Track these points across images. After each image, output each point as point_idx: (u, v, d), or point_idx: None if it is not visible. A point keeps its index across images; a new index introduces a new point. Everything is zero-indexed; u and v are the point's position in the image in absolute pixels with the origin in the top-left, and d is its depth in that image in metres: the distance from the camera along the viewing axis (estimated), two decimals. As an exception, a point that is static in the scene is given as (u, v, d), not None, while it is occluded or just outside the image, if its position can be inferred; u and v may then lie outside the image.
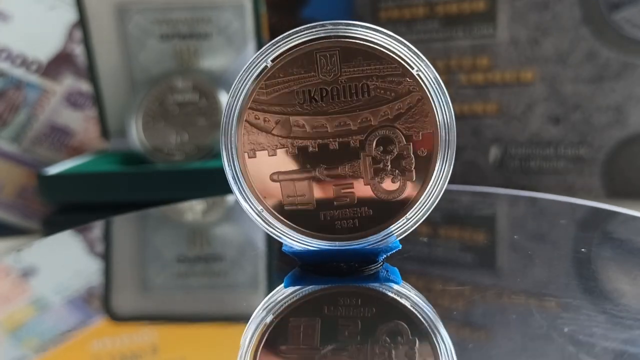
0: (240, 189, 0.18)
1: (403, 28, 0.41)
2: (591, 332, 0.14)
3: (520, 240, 0.23)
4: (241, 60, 0.40)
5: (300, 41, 0.17)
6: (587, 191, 0.37)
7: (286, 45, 0.17)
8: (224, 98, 0.38)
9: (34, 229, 0.42)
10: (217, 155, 0.37)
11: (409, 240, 0.19)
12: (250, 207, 0.18)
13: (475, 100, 0.39)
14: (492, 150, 0.39)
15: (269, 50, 0.17)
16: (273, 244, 0.25)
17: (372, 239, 0.18)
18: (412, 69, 0.17)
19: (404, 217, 0.18)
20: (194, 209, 0.30)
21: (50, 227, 0.32)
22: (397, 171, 0.18)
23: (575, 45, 0.36)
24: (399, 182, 0.18)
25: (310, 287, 0.18)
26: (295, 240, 0.18)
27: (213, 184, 0.33)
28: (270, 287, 0.20)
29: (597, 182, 0.37)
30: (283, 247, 0.18)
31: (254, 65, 0.17)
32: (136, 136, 0.37)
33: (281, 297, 0.17)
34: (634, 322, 0.15)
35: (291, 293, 0.17)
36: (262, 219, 0.18)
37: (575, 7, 0.36)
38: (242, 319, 0.17)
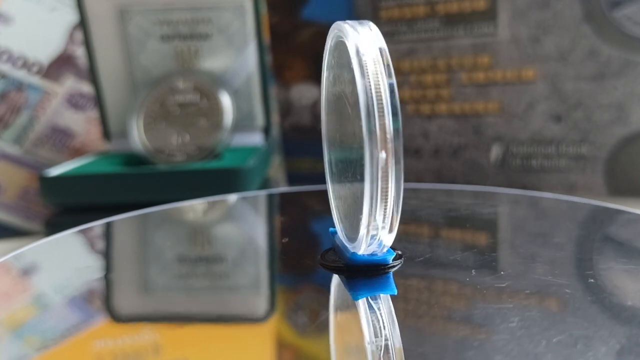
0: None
1: (404, 27, 0.40)
2: (592, 331, 0.14)
3: (522, 238, 0.23)
4: (242, 61, 0.40)
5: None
6: (589, 189, 0.37)
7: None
8: (225, 98, 0.38)
9: (36, 230, 0.42)
10: (218, 156, 0.37)
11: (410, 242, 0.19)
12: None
13: (476, 99, 0.39)
14: (494, 149, 0.39)
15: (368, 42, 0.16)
16: (274, 244, 0.25)
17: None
18: None
19: None
20: (195, 209, 0.30)
21: (52, 228, 0.32)
22: None
23: (576, 43, 0.36)
24: None
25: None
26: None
27: (214, 184, 0.33)
28: (272, 287, 0.20)
29: (599, 180, 0.37)
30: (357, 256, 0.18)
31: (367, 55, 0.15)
32: (137, 137, 0.37)
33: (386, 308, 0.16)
34: (635, 320, 0.15)
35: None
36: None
37: (576, 5, 0.36)
38: (242, 319, 0.17)
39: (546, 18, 0.36)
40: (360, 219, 0.16)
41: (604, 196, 0.36)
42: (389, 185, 0.15)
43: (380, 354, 0.13)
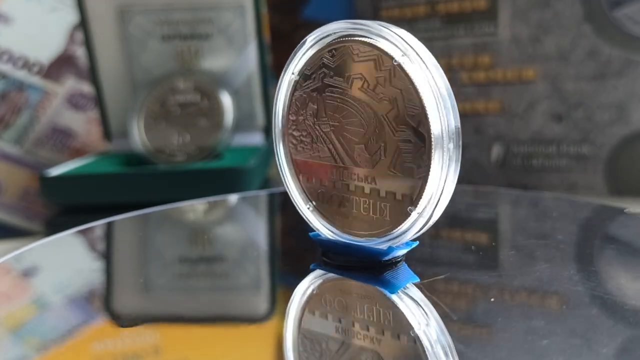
0: None
1: (404, 27, 0.40)
2: (593, 330, 0.14)
3: (523, 238, 0.23)
4: (242, 61, 0.39)
5: None
6: (590, 189, 0.37)
7: None
8: (225, 98, 0.38)
9: (37, 230, 0.42)
10: (219, 156, 0.37)
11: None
12: None
13: (477, 99, 0.39)
14: (495, 149, 0.39)
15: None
16: (275, 244, 0.25)
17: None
18: None
19: None
20: (195, 209, 0.30)
21: (53, 228, 0.32)
22: None
23: (577, 42, 0.36)
24: None
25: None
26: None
27: (215, 184, 0.33)
28: (272, 287, 0.20)
29: (599, 180, 0.36)
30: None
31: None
32: (138, 137, 0.37)
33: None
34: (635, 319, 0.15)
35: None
36: None
37: (576, 5, 0.35)
38: (242, 319, 0.17)
39: (546, 18, 0.36)
40: (410, 210, 0.16)
41: (605, 196, 0.36)
42: (449, 173, 0.16)
43: (432, 339, 0.14)
